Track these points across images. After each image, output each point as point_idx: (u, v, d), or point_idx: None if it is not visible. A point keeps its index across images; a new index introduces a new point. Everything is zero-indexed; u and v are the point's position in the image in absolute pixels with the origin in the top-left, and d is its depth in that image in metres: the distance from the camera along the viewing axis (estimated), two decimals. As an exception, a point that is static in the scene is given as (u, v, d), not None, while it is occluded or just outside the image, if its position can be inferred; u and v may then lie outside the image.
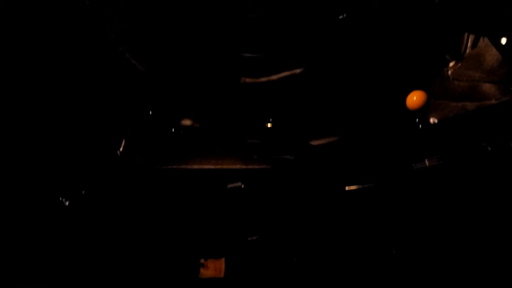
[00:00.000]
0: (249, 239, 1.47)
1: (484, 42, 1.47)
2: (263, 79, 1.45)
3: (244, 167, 1.41)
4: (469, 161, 1.33)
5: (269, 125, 1.42)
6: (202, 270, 1.47)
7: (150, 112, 1.42)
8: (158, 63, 1.38)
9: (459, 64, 1.46)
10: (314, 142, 1.46)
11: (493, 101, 1.42)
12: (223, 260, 1.49)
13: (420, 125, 1.33)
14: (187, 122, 1.47)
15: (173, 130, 1.43)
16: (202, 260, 1.48)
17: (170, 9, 1.36)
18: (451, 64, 1.48)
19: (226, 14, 1.37)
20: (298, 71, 1.43)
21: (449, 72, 1.50)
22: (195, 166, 1.44)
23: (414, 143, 1.38)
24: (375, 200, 1.41)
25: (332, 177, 1.45)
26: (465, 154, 1.34)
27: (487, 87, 1.45)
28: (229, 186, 1.43)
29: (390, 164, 1.40)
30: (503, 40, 1.33)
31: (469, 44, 1.48)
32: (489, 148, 1.30)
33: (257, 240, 1.47)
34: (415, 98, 1.30)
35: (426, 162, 1.37)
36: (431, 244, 1.37)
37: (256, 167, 1.43)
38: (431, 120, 1.37)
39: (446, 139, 1.38)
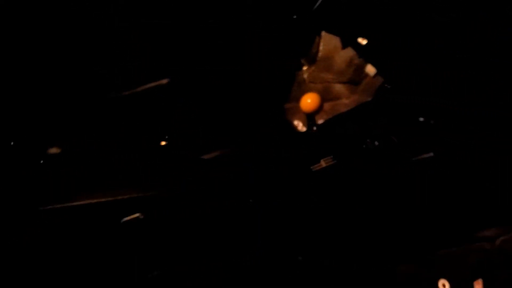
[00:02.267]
0: (148, 276, 1.29)
1: (333, 44, 1.58)
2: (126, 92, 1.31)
3: (143, 194, 1.24)
4: (360, 158, 1.41)
5: (163, 142, 1.29)
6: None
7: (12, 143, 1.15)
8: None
9: (313, 68, 1.55)
10: (206, 156, 1.37)
11: (344, 100, 1.53)
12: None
13: (314, 127, 1.36)
14: (54, 150, 1.23)
15: (41, 161, 1.19)
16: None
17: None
18: (305, 68, 1.56)
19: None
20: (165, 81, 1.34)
21: (305, 76, 1.58)
22: (83, 202, 1.21)
23: (308, 146, 1.41)
24: (277, 205, 1.38)
25: (233, 191, 1.37)
26: (355, 151, 1.42)
27: (338, 87, 1.56)
28: (124, 219, 1.24)
29: (289, 169, 1.39)
30: (363, 41, 1.45)
31: (320, 48, 1.58)
32: (376, 143, 1.39)
33: (157, 276, 1.30)
34: (309, 101, 1.32)
35: (322, 163, 1.40)
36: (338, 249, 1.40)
37: (154, 193, 1.27)
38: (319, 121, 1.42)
39: (332, 139, 1.44)
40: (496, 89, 1.32)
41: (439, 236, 1.45)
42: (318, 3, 1.44)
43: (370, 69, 1.55)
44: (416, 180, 1.42)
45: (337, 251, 1.44)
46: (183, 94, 1.44)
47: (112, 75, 1.40)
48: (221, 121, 1.42)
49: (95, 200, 1.23)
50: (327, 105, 1.56)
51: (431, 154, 1.37)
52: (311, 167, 1.41)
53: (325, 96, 1.58)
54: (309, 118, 1.40)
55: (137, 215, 1.24)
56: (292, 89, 1.55)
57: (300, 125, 1.53)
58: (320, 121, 1.47)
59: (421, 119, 1.36)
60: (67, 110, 1.30)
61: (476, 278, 1.42)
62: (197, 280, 1.31)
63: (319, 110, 1.35)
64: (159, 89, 1.37)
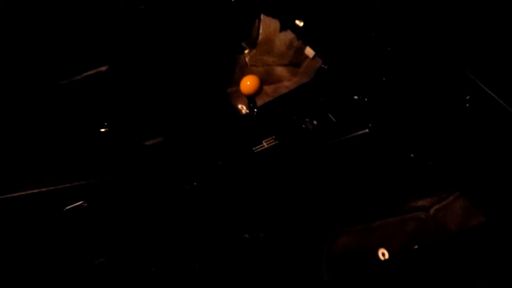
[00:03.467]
0: (95, 262, 1.31)
1: (273, 27, 1.61)
2: (64, 82, 1.31)
3: (86, 182, 1.25)
4: (300, 137, 1.46)
5: (102, 130, 1.29)
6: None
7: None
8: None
9: (254, 51, 1.58)
10: (149, 142, 1.39)
11: (285, 83, 1.57)
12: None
13: (255, 109, 1.40)
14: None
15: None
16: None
17: None
18: (247, 51, 1.60)
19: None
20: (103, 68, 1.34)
21: (247, 59, 1.61)
22: (25, 192, 1.21)
23: (250, 128, 1.44)
24: (221, 186, 1.42)
25: (176, 176, 1.40)
26: (295, 131, 1.47)
27: (279, 70, 1.61)
28: (67, 208, 1.25)
29: (233, 151, 1.43)
30: (300, 23, 1.49)
31: (260, 31, 1.62)
32: (314, 122, 1.44)
33: (103, 261, 1.32)
34: (248, 83, 1.35)
35: (264, 144, 1.44)
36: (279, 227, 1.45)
37: (102, 179, 1.28)
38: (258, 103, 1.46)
39: (273, 120, 1.48)
40: (426, 67, 1.38)
41: (376, 208, 1.52)
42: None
43: (309, 51, 1.60)
44: (353, 155, 1.48)
45: (278, 226, 1.49)
46: (123, 80, 1.44)
47: (50, 62, 1.38)
48: (163, 107, 1.44)
49: (37, 190, 1.23)
50: (269, 88, 1.60)
51: (366, 130, 1.42)
52: (253, 148, 1.44)
53: (267, 79, 1.61)
54: (250, 100, 1.44)
55: (80, 202, 1.25)
56: (234, 73, 1.57)
57: (244, 109, 1.56)
58: (261, 103, 1.50)
59: (356, 97, 1.42)
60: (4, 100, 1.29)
61: (412, 245, 1.50)
62: (143, 264, 1.33)
63: (259, 92, 1.38)
64: (98, 77, 1.37)
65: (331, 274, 1.44)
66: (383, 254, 1.49)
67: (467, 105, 1.20)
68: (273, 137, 1.44)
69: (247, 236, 1.46)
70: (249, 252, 1.45)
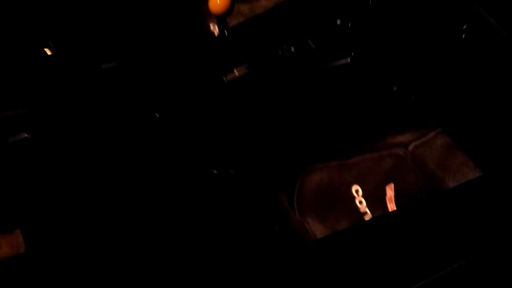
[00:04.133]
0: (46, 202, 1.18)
1: None
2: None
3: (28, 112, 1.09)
4: (275, 65, 1.32)
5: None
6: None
7: None
8: None
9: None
10: (106, 65, 1.22)
11: (263, 1, 1.41)
12: (18, 232, 1.16)
13: (225, 31, 1.24)
14: None
15: None
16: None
17: None
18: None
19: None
20: None
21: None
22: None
23: (220, 53, 1.29)
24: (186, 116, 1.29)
25: (136, 103, 1.25)
26: (270, 58, 1.32)
27: None
28: (11, 140, 1.09)
29: (200, 79, 1.28)
30: None
31: None
32: (292, 49, 1.30)
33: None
34: (218, 1, 1.19)
35: (235, 72, 1.30)
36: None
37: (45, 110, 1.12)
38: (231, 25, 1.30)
39: (247, 45, 1.33)
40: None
41: (352, 142, 1.42)
42: None
43: None
44: (331, 86, 1.36)
45: (249, 161, 1.39)
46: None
47: None
48: (127, 27, 1.26)
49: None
50: (244, 7, 1.42)
51: (348, 59, 1.30)
52: (224, 76, 1.30)
53: None
54: (220, 21, 1.27)
55: (24, 135, 1.09)
56: None
57: (216, 29, 1.40)
58: (232, 24, 1.34)
59: (339, 21, 1.27)
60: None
61: (388, 183, 1.42)
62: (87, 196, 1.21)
63: (230, 11, 1.22)
64: None
65: (302, 212, 1.36)
66: (357, 191, 1.41)
67: (463, 35, 1.08)
68: (246, 64, 1.30)
69: (215, 172, 1.36)
70: (217, 189, 1.35)
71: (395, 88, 1.33)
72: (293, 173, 1.40)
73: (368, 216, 1.38)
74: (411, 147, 1.43)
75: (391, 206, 1.40)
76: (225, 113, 1.35)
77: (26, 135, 1.13)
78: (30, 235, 1.18)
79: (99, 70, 1.18)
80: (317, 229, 1.35)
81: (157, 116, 1.23)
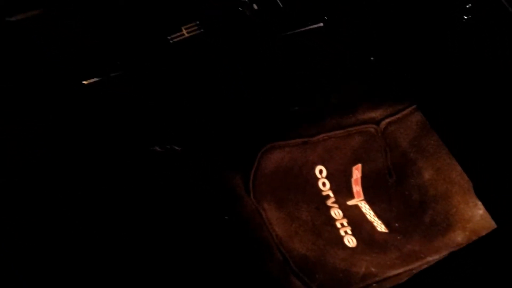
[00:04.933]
0: None
1: None
2: None
3: None
4: (233, 25, 1.07)
5: None
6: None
7: None
8: None
9: None
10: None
11: None
12: None
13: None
14: None
15: None
16: None
17: None
18: None
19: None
20: None
21: None
22: None
23: (166, 9, 1.02)
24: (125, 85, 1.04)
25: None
26: (227, 16, 1.07)
27: None
28: None
29: (141, 39, 1.02)
30: None
31: None
32: (255, 7, 1.05)
33: None
34: None
35: (184, 32, 1.04)
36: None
37: None
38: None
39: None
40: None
41: (318, 118, 1.24)
42: None
43: None
44: (300, 54, 1.14)
45: (199, 137, 1.18)
46: None
47: None
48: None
49: None
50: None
51: (321, 24, 1.07)
52: (169, 37, 1.05)
53: None
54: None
55: None
56: None
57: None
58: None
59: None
60: None
61: (355, 163, 1.27)
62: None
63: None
64: None
65: (258, 196, 1.18)
66: (320, 172, 1.25)
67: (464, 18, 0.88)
68: (197, 22, 1.04)
69: (158, 148, 1.14)
70: (160, 168, 1.14)
71: (372, 59, 1.12)
72: (251, 152, 1.20)
73: (331, 200, 1.23)
74: (383, 124, 1.27)
75: (357, 189, 1.25)
76: (170, 81, 1.10)
77: None
78: None
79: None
80: (274, 216, 1.18)
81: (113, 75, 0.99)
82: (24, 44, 0.96)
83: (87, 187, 1.08)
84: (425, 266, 1.11)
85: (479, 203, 1.11)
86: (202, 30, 1.07)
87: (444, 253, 1.13)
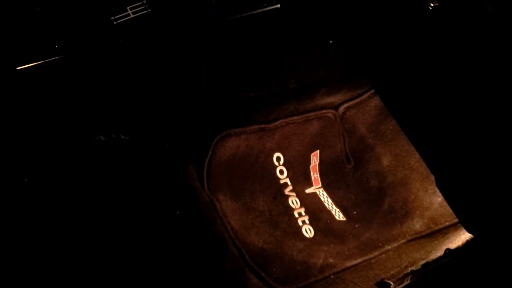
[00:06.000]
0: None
1: None
2: None
3: None
4: (183, 5, 0.99)
5: None
6: None
7: None
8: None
9: None
10: None
11: None
12: None
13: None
14: None
15: None
16: None
17: None
18: None
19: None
20: None
21: None
22: None
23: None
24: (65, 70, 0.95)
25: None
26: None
27: None
28: None
29: (83, 19, 0.93)
30: None
31: None
32: None
33: None
34: None
35: (129, 12, 0.96)
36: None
37: None
38: None
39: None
40: None
41: (275, 103, 1.18)
42: None
43: None
44: (255, 35, 1.07)
45: (147, 125, 1.10)
46: None
47: None
48: None
49: None
50: None
51: (278, 5, 1.01)
52: (113, 18, 0.95)
53: None
54: None
55: None
56: None
57: None
58: None
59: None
60: None
61: (313, 149, 1.22)
62: None
63: None
64: None
65: (212, 186, 1.12)
66: (278, 159, 1.20)
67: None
68: (144, 1, 0.95)
69: (102, 138, 1.06)
70: (104, 160, 1.06)
71: (331, 42, 1.07)
72: (205, 140, 1.14)
73: (288, 189, 1.19)
74: (341, 109, 1.22)
75: (315, 176, 1.21)
76: (115, 66, 1.01)
77: None
78: None
79: None
80: (229, 208, 1.13)
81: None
82: None
83: (30, 179, 0.99)
84: (383, 255, 1.09)
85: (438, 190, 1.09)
86: (149, 10, 0.97)
87: (402, 241, 1.11)
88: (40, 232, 0.98)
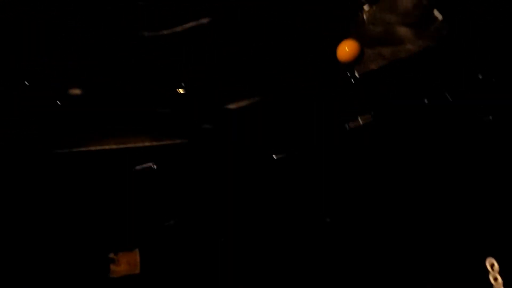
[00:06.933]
0: (165, 224, 1.24)
1: None
2: (165, 32, 1.19)
3: (154, 143, 1.17)
4: (403, 117, 1.21)
5: (181, 90, 1.18)
6: (113, 267, 1.21)
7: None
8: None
9: (374, 8, 1.35)
10: (232, 106, 1.25)
11: (408, 45, 1.32)
12: (137, 252, 1.25)
13: (352, 79, 1.18)
14: (76, 91, 1.18)
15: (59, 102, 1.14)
16: (112, 255, 1.22)
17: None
18: (366, 8, 1.36)
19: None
20: (206, 20, 1.20)
21: (365, 17, 1.39)
22: (94, 147, 1.17)
23: (345, 100, 1.23)
24: (308, 166, 1.24)
25: (257, 146, 1.25)
26: (398, 109, 1.22)
27: (403, 31, 1.35)
28: (137, 168, 1.18)
29: (321, 125, 1.24)
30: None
31: None
32: (426, 101, 1.18)
33: (174, 225, 1.25)
34: (347, 49, 1.13)
35: (360, 121, 1.23)
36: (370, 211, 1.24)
37: (169, 142, 1.19)
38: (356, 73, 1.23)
39: (374, 93, 1.25)
40: None
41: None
42: None
43: (438, 13, 1.34)
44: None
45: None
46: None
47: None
48: (249, 68, 1.28)
49: (107, 147, 1.19)
50: (385, 50, 1.37)
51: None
52: (346, 124, 1.25)
53: (386, 39, 1.39)
54: (348, 69, 1.22)
55: (149, 164, 1.18)
56: (350, 31, 1.37)
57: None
58: (371, 68, 1.29)
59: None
60: (92, 48, 1.23)
61: None
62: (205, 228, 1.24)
63: (359, 59, 1.16)
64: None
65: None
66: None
67: None
68: (371, 113, 1.22)
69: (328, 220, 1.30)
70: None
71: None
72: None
73: None
74: None
75: None
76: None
77: (151, 164, 1.21)
78: (146, 256, 1.27)
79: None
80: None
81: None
82: None
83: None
84: None
85: None
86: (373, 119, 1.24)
87: None
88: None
